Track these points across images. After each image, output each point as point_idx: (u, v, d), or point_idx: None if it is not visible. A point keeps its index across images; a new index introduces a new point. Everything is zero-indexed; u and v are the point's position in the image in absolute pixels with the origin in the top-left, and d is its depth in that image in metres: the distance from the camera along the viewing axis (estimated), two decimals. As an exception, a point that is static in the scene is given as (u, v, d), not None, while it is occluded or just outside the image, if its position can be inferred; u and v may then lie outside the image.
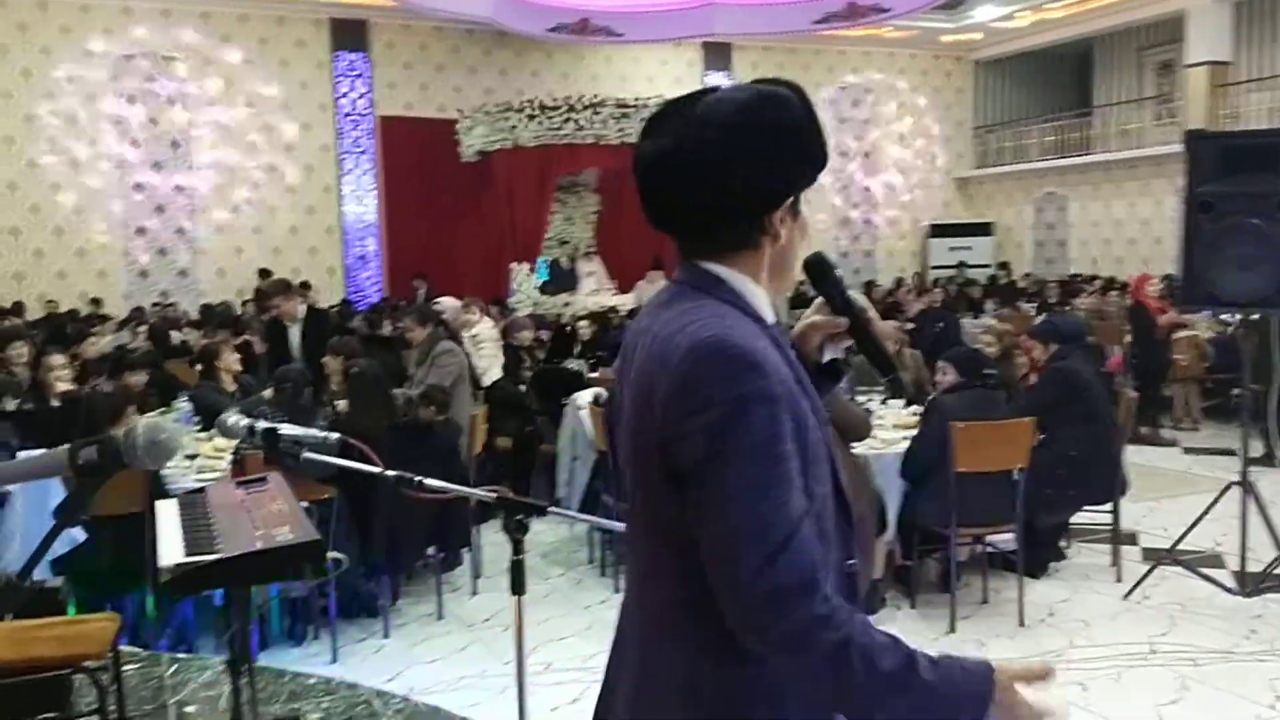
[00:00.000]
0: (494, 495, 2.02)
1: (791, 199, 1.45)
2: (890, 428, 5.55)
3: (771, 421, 1.30)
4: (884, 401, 6.26)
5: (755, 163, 1.40)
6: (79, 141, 14.09)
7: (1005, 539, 5.25)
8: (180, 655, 4.02)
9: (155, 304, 13.97)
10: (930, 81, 19.43)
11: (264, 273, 14.09)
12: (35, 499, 3.53)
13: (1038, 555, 5.53)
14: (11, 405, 5.43)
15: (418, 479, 2.03)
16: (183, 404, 5.57)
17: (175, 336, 10.23)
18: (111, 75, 14.22)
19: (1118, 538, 5.64)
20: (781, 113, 1.42)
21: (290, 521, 2.73)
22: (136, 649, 4.07)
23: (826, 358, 1.64)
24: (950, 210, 19.67)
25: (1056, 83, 19.81)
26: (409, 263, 15.01)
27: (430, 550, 5.22)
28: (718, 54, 17.39)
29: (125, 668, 3.77)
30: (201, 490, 3.23)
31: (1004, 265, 17.43)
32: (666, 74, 17.06)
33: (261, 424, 1.94)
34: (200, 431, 5.65)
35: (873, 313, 1.68)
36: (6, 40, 13.61)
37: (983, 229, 19.03)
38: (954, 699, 1.31)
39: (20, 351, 6.62)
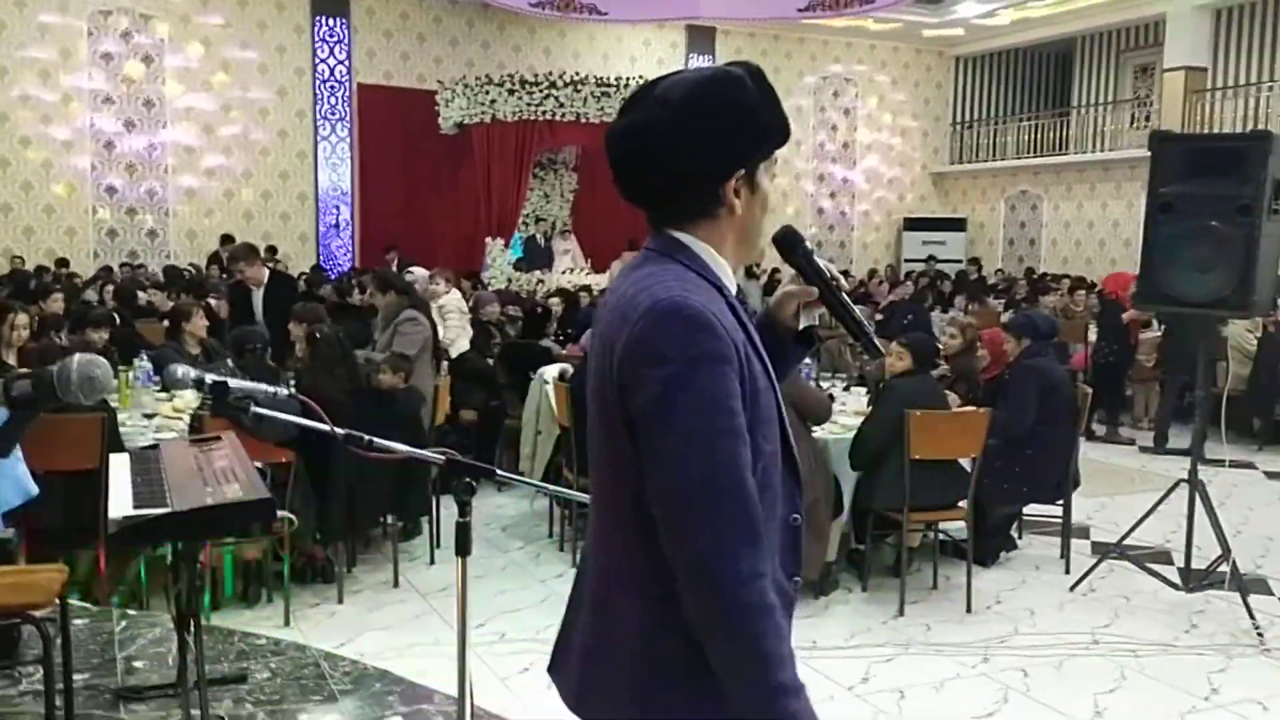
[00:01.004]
0: (442, 458, 2.04)
1: (744, 172, 1.53)
2: (852, 414, 5.61)
3: (721, 379, 1.39)
4: (846, 389, 6.35)
5: (704, 139, 1.49)
6: (50, 96, 13.91)
7: (957, 526, 5.34)
8: (130, 612, 4.01)
9: (124, 264, 13.84)
10: (911, 75, 19.50)
11: (225, 239, 13.94)
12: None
13: (989, 544, 5.62)
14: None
15: (367, 438, 2.04)
16: (143, 363, 5.53)
17: (141, 298, 10.16)
18: (86, 31, 14.03)
19: (1068, 531, 5.73)
20: (732, 92, 1.51)
21: (241, 480, 2.74)
22: (87, 604, 4.07)
23: (802, 325, 1.73)
24: (925, 204, 19.78)
25: (1036, 81, 19.93)
26: (382, 233, 14.93)
27: (388, 518, 5.23)
28: (702, 37, 17.37)
29: (75, 622, 3.78)
30: (155, 447, 3.23)
31: (974, 261, 17.55)
32: (649, 55, 17.02)
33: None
34: (160, 392, 5.64)
35: (843, 281, 1.74)
36: (-21, -9, 13.41)
37: (956, 224, 19.16)
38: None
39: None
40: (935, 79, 19.72)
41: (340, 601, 4.97)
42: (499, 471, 2.04)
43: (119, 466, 2.92)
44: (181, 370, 1.98)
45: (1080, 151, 17.72)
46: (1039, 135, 18.46)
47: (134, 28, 14.30)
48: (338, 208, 15.77)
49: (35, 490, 4.05)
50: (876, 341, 1.75)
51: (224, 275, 10.75)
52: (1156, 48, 16.56)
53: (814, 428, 5.10)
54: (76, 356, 1.49)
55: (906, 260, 18.51)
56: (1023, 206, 18.73)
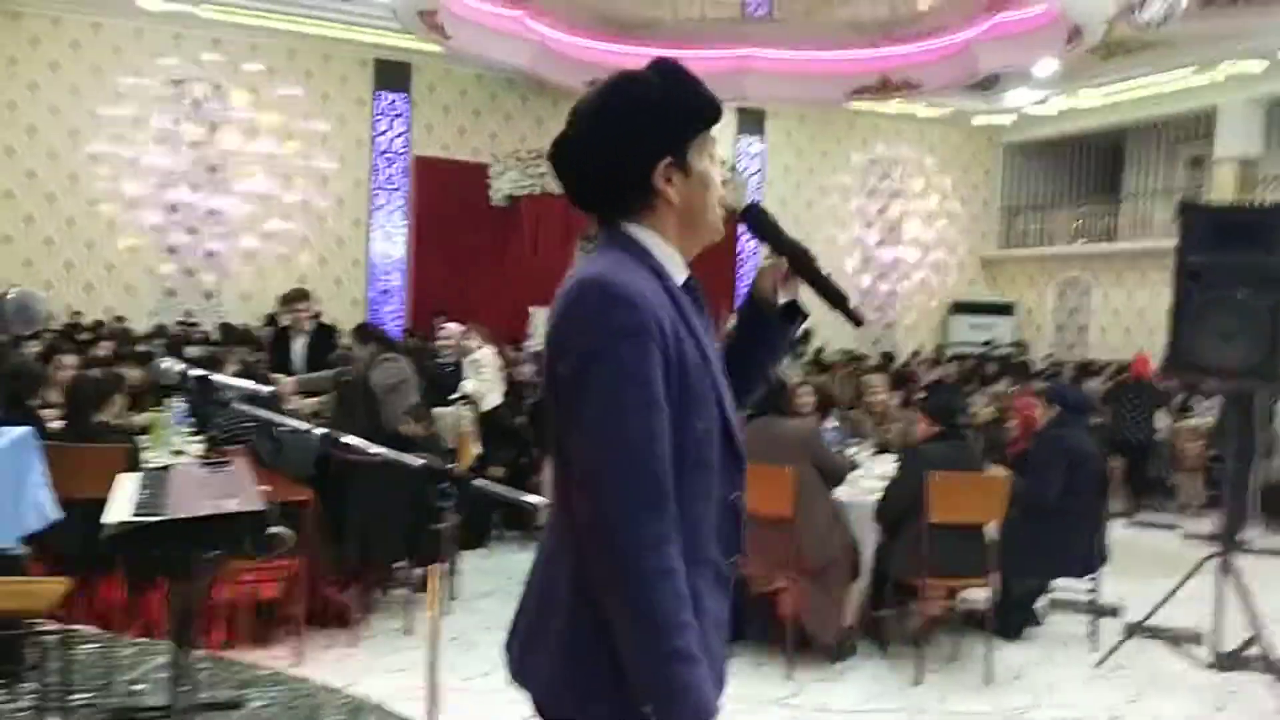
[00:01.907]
0: (421, 462, 2.07)
1: (670, 159, 1.59)
2: (875, 477, 5.56)
3: (638, 351, 1.44)
4: (874, 454, 6.30)
5: (615, 138, 1.59)
6: (120, 157, 14.43)
7: (980, 598, 5.23)
8: (140, 640, 4.06)
9: (179, 322, 14.18)
10: (959, 160, 19.59)
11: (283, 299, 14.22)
12: (9, 465, 3.61)
13: (1013, 618, 5.49)
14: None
15: (341, 437, 2.09)
16: (177, 404, 5.66)
17: (191, 351, 10.40)
18: (157, 98, 14.59)
19: (1096, 608, 5.59)
20: (631, 90, 1.61)
21: (240, 496, 2.80)
22: (99, 630, 4.12)
23: (782, 300, 1.79)
24: (973, 288, 19.70)
25: (1086, 169, 19.91)
26: (432, 299, 15.17)
27: (403, 564, 5.25)
28: (751, 119, 17.65)
29: (85, 646, 3.84)
30: (167, 468, 3.31)
31: (1019, 344, 17.39)
32: (699, 135, 17.28)
33: (194, 371, 2.01)
34: (190, 433, 5.75)
35: (812, 253, 1.78)
36: (58, 56, 14.02)
37: (1004, 309, 19.04)
38: (686, 691, 1.39)
39: (34, 349, 6.78)
40: (984, 164, 19.79)
41: (353, 645, 4.98)
42: (482, 481, 2.06)
43: (128, 481, 2.99)
44: (167, 363, 2.05)
45: (1131, 239, 17.61)
46: (1089, 222, 18.39)
47: (205, 95, 14.85)
48: (389, 274, 16.08)
49: (56, 515, 4.14)
50: (855, 310, 1.77)
51: (270, 323, 10.99)
52: (1208, 139, 16.51)
53: (833, 489, 5.08)
54: (13, 289, 1.57)
55: (953, 343, 18.38)
56: (1072, 293, 18.59)
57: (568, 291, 1.51)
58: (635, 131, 1.59)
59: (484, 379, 7.29)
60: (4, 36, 13.72)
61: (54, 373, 5.98)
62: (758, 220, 1.74)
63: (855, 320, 1.78)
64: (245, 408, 1.99)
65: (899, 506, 4.85)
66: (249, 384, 2.06)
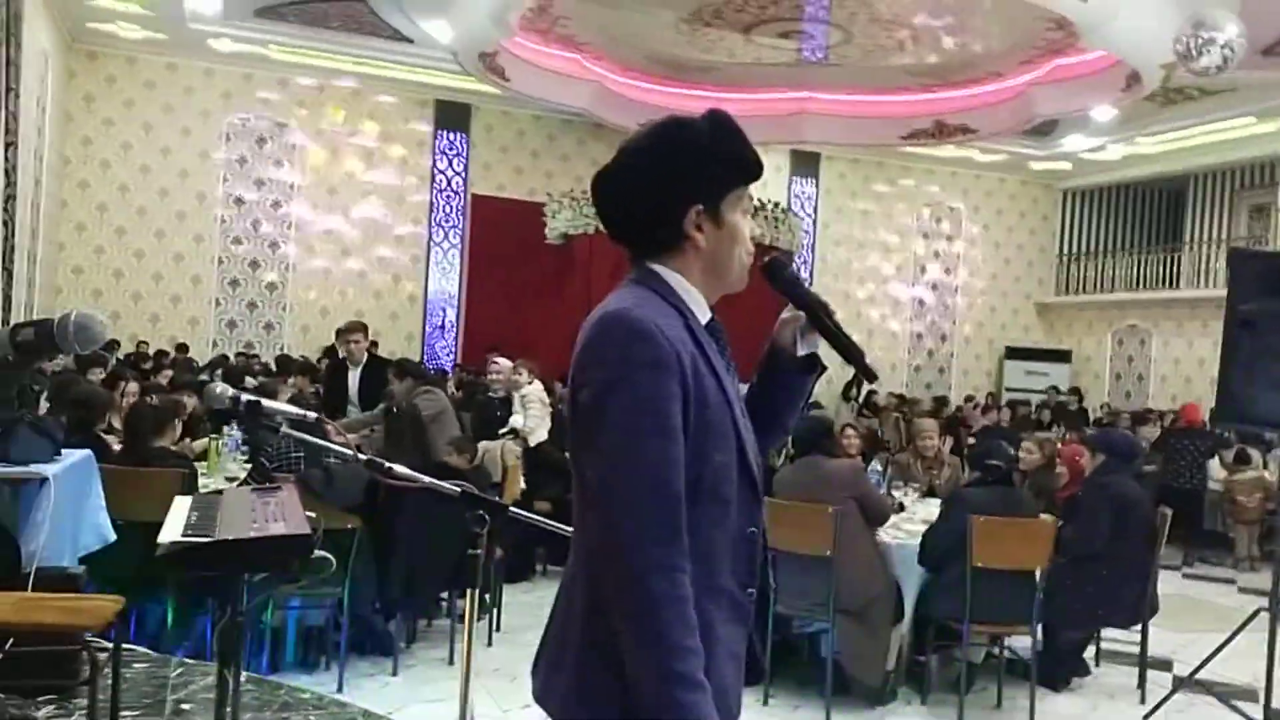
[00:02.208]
0: (459, 489, 2.13)
1: (701, 207, 1.65)
2: (919, 522, 5.54)
3: (656, 383, 1.50)
4: (920, 498, 6.27)
5: (654, 179, 1.65)
6: (186, 193, 14.85)
7: (1026, 645, 5.16)
8: (189, 660, 4.15)
9: (239, 353, 14.49)
10: (1017, 205, 19.47)
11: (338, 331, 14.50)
12: (69, 488, 3.73)
13: (1060, 668, 5.42)
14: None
15: (388, 464, 2.16)
16: (233, 431, 5.81)
17: (250, 382, 10.62)
18: (225, 136, 15.02)
19: (1145, 659, 5.49)
20: (678, 134, 1.67)
21: (287, 520, 2.87)
22: (149, 650, 4.22)
23: (801, 352, 1.84)
24: (1029, 334, 19.51)
25: (1146, 216, 19.68)
26: (486, 335, 15.35)
27: (447, 594, 5.31)
28: (806, 161, 17.72)
29: (134, 665, 3.94)
30: (219, 493, 3.41)
31: (1075, 390, 17.14)
32: (753, 176, 17.38)
33: (246, 396, 2.10)
34: (247, 461, 5.89)
35: (831, 307, 1.83)
36: (132, 95, 14.51)
37: (1061, 355, 18.81)
38: (684, 714, 1.42)
39: (98, 376, 6.99)
40: (1042, 210, 19.64)
41: (395, 674, 5.05)
42: (511, 509, 2.12)
43: (181, 505, 3.08)
44: (220, 388, 2.13)
45: (1192, 287, 17.33)
46: (1149, 270, 18.15)
47: (268, 134, 15.26)
48: (444, 309, 16.32)
49: (113, 536, 4.27)
50: (868, 367, 1.81)
51: (326, 355, 11.21)
52: (1271, 187, 16.27)
53: (877, 530, 5.07)
54: (75, 309, 1.66)
55: (1008, 389, 18.18)
56: (1131, 341, 18.32)
57: (592, 324, 1.58)
58: (674, 175, 1.65)
59: (532, 414, 7.39)
60: (82, 75, 14.24)
61: (118, 399, 6.18)
62: (778, 273, 1.79)
63: (868, 376, 1.82)
64: (296, 434, 2.06)
65: (941, 547, 4.83)
66: (296, 410, 2.14)
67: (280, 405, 2.20)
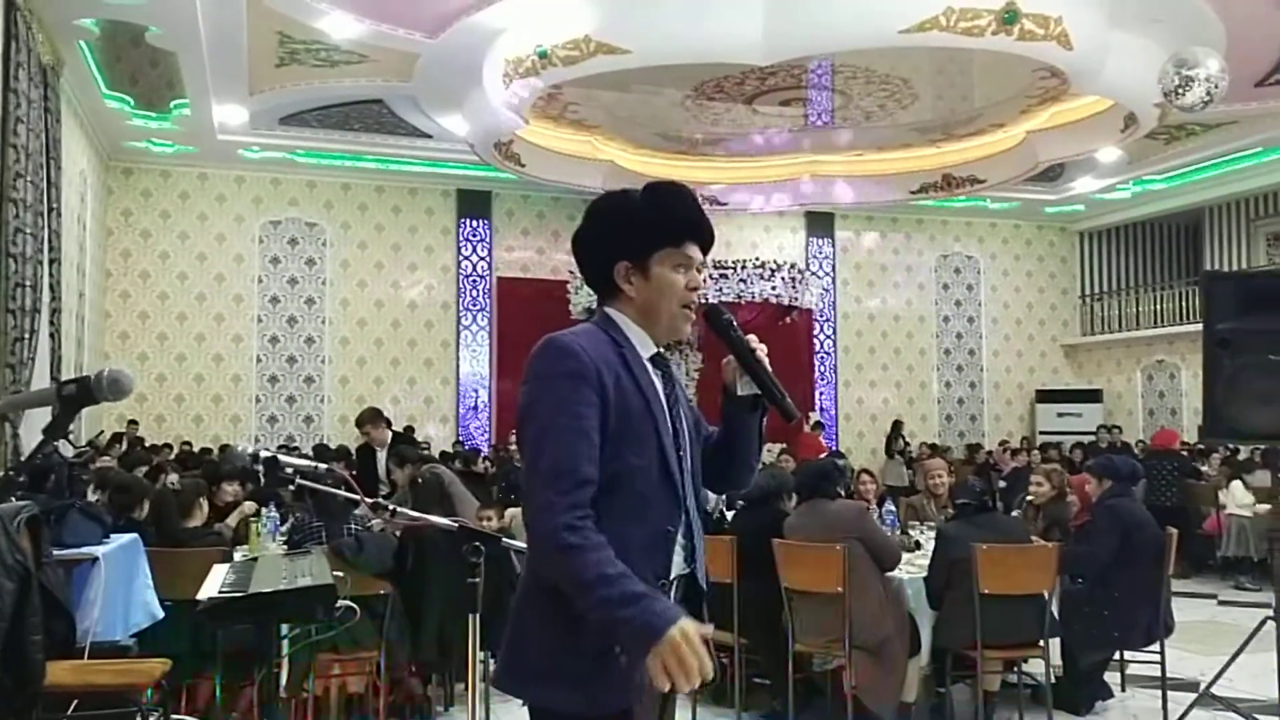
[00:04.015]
0: (456, 524, 2.39)
1: (629, 263, 1.99)
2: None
3: (574, 390, 1.83)
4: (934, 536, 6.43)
5: (590, 238, 2.05)
6: (223, 296, 15.42)
7: (1039, 671, 5.28)
8: (236, 727, 4.39)
9: (280, 446, 14.90)
10: (1034, 250, 19.66)
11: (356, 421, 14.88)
12: (119, 568, 4.02)
13: (1082, 692, 5.52)
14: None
15: (392, 507, 2.43)
16: (271, 514, 6.10)
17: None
18: (258, 239, 15.63)
19: (1165, 679, 5.57)
20: (610, 203, 2.05)
21: (314, 575, 3.16)
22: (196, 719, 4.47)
23: (742, 391, 2.09)
24: (1058, 376, 19.55)
25: (1165, 251, 19.79)
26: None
27: (482, 655, 5.51)
28: (820, 222, 18.07)
29: (185, 732, 4.18)
30: (255, 559, 3.69)
31: (1108, 428, 17.14)
32: (770, 240, 17.76)
33: (264, 452, 2.37)
34: (285, 542, 6.17)
35: (762, 352, 2.09)
36: (167, 206, 15.17)
37: (1092, 395, 18.81)
38: (629, 624, 1.68)
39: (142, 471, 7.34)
40: (1060, 253, 19.81)
41: (433, 735, 5.25)
42: (504, 540, 2.37)
43: (218, 570, 3.37)
44: (241, 446, 2.41)
45: (1216, 319, 17.31)
46: (1172, 304, 18.21)
47: (299, 235, 15.86)
48: (476, 390, 16.68)
49: (161, 614, 4.56)
50: (790, 405, 2.06)
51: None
52: (1286, 214, 16.38)
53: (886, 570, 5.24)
54: (108, 367, 1.97)
55: (1041, 433, 18.19)
56: (1160, 376, 18.32)
57: (535, 348, 1.92)
58: (604, 235, 2.02)
59: None
60: (119, 190, 14.93)
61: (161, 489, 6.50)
62: (713, 318, 2.08)
63: (786, 415, 2.07)
64: (309, 484, 2.33)
65: (937, 583, 5.04)
66: (307, 463, 2.41)
67: (295, 460, 2.47)
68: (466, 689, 5.96)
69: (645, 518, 1.87)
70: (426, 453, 7.13)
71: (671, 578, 1.91)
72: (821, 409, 17.63)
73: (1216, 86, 8.43)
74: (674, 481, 1.92)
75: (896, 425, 17.45)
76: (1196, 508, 10.02)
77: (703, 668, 1.64)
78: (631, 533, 1.84)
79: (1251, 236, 17.84)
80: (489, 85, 10.96)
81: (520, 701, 1.96)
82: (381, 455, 7.35)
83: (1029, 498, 6.32)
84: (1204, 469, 10.74)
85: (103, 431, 13.13)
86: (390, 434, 7.65)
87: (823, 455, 10.43)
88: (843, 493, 5.76)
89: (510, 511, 6.61)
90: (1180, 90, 8.46)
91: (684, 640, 1.63)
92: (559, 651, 1.81)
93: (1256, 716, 5.22)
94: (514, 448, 8.57)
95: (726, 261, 14.26)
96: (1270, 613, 4.97)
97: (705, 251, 2.06)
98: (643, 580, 1.81)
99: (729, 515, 6.63)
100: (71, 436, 7.46)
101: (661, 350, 2.06)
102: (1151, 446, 10.68)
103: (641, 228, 2.00)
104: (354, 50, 10.80)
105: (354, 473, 8.23)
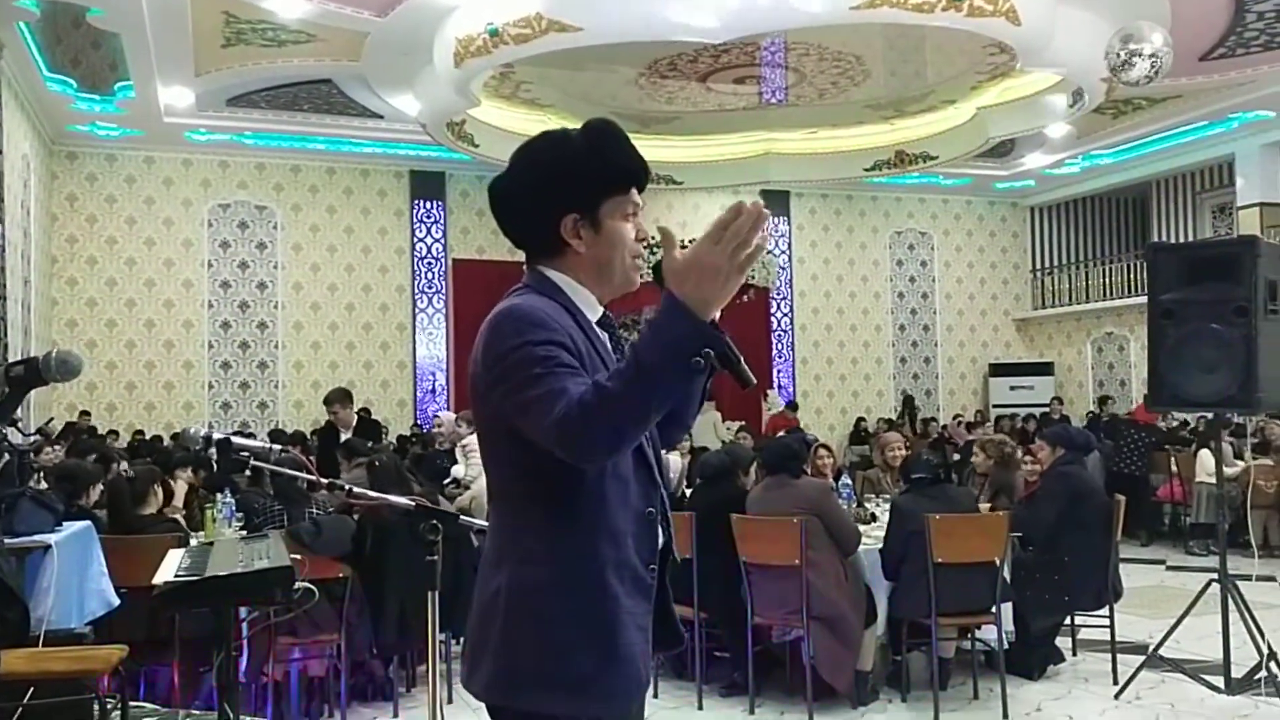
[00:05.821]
0: (413, 503, 2.39)
1: (578, 215, 1.80)
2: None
3: (547, 346, 1.65)
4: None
5: (528, 189, 1.83)
6: (173, 282, 15.20)
7: (991, 637, 5.38)
8: (195, 712, 4.37)
9: (235, 432, 14.72)
10: (986, 226, 19.88)
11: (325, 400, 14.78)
12: (72, 556, 3.98)
13: (1034, 656, 5.63)
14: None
15: (348, 486, 2.42)
16: (227, 499, 6.06)
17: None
18: (207, 223, 15.41)
19: (1115, 643, 5.70)
20: (550, 148, 1.84)
21: (271, 558, 3.14)
22: (156, 706, 4.44)
23: None
24: (1010, 350, 19.82)
25: (1114, 224, 20.11)
26: (474, 396, 15.61)
27: (444, 636, 5.52)
28: (777, 201, 18.10)
29: (144, 719, 4.16)
30: (211, 543, 3.66)
31: (1058, 399, 17.44)
32: (726, 219, 17.76)
33: (216, 434, 2.36)
34: (242, 527, 6.13)
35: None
36: (113, 191, 14.90)
37: (1043, 368, 19.10)
38: (665, 341, 1.56)
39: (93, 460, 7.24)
40: (1011, 228, 20.04)
41: (396, 718, 5.26)
42: (463, 517, 2.38)
43: (174, 555, 3.34)
44: (194, 429, 2.39)
45: (1164, 291, 17.62)
46: (1121, 277, 18.51)
47: (249, 218, 15.65)
48: (434, 374, 16.60)
49: (116, 601, 4.52)
50: (746, 370, 2.02)
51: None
52: (1230, 187, 16.66)
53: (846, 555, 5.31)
54: (55, 348, 1.95)
55: (995, 406, 18.45)
56: (1109, 348, 18.64)
57: (486, 325, 1.73)
58: (547, 186, 1.79)
59: (474, 462, 7.61)
60: (63, 176, 14.65)
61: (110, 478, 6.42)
62: (657, 272, 2.01)
63: (743, 382, 1.77)
64: (264, 465, 2.32)
65: (895, 555, 5.13)
66: (260, 444, 2.40)
67: (247, 441, 2.46)
68: (428, 671, 5.98)
69: (629, 499, 1.76)
70: (376, 447, 7.06)
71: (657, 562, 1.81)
72: (780, 386, 17.74)
73: (1161, 61, 8.55)
74: (648, 459, 1.81)
75: (908, 400, 18.12)
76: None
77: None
78: (623, 518, 1.74)
79: (1198, 209, 18.15)
80: (439, 64, 10.85)
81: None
82: (345, 436, 7.32)
83: (974, 469, 6.43)
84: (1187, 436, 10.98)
85: (52, 419, 12.92)
86: (357, 417, 7.60)
87: (780, 433, 10.50)
88: (808, 470, 5.81)
89: (469, 492, 6.61)
90: (1126, 65, 8.58)
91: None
92: (561, 655, 1.68)
93: (1202, 676, 5.35)
94: (437, 430, 8.49)
95: (685, 241, 14.22)
96: (1215, 576, 5.09)
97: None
98: (633, 569, 1.75)
99: (688, 493, 6.68)
100: (20, 425, 7.35)
101: (607, 312, 1.88)
102: (1131, 418, 10.80)
103: (589, 174, 1.78)
104: (302, 29, 10.64)
105: (312, 457, 8.20)
